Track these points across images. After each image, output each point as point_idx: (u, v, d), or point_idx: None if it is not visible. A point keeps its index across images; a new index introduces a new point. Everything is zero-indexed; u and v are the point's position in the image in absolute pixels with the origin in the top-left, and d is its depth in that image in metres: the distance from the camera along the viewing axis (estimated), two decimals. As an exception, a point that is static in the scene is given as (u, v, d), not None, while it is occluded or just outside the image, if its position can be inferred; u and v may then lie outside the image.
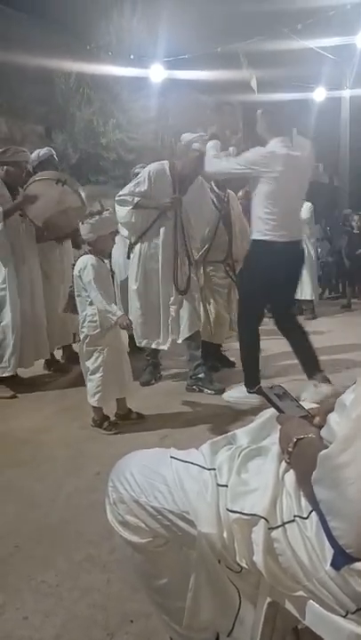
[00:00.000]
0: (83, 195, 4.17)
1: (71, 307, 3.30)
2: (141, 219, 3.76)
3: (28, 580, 1.81)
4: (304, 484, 0.97)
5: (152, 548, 1.17)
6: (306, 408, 1.20)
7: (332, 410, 1.09)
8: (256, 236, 3.36)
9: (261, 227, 3.30)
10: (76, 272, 3.08)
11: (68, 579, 1.81)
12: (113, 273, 4.71)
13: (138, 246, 3.82)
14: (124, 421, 3.22)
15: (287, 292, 3.60)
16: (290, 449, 1.03)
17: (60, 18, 10.16)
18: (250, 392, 3.52)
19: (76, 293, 3.12)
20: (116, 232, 3.38)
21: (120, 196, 3.79)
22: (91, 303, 3.03)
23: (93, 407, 3.15)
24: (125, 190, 3.78)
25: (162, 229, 3.76)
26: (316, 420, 1.14)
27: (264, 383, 3.40)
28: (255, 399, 3.34)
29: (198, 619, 1.14)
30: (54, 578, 1.82)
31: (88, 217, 3.08)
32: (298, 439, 1.03)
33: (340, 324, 6.99)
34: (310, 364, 3.44)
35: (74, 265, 3.22)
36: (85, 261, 3.03)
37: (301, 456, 1.00)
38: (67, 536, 2.07)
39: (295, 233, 3.39)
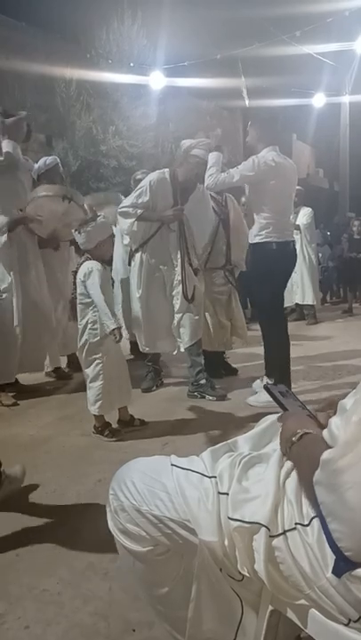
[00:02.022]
0: (87, 209, 4.20)
1: (74, 314, 3.29)
2: (143, 228, 3.76)
3: (29, 589, 1.80)
4: (305, 481, 0.97)
5: (153, 556, 1.16)
6: (308, 409, 1.20)
7: (333, 412, 1.09)
8: (255, 239, 3.63)
9: (260, 231, 3.59)
10: (80, 277, 3.04)
11: (69, 587, 1.81)
12: (112, 281, 4.71)
13: (139, 254, 3.82)
14: (127, 428, 3.22)
15: (280, 288, 3.84)
16: (294, 439, 1.02)
17: (60, 26, 10.24)
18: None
19: (78, 300, 3.10)
20: (113, 235, 3.35)
21: (122, 207, 3.77)
22: (93, 309, 3.02)
23: (95, 414, 3.15)
24: (127, 202, 3.76)
25: (167, 240, 3.75)
26: (318, 416, 1.15)
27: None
28: None
29: (201, 628, 1.13)
30: (56, 586, 1.81)
31: (83, 226, 3.05)
32: (304, 433, 1.03)
33: (341, 329, 6.99)
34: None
35: (75, 272, 3.21)
36: (90, 267, 3.01)
37: (304, 451, 1.00)
38: (68, 544, 2.06)
39: (288, 234, 3.71)
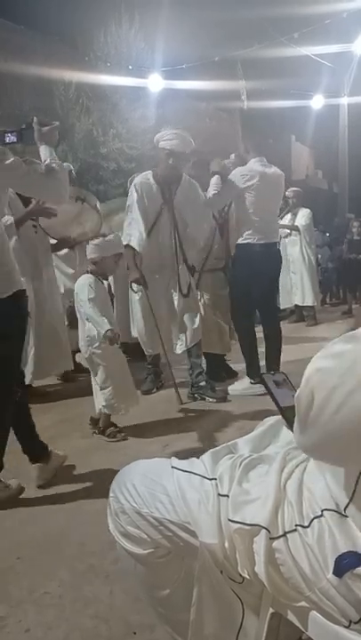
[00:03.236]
0: (99, 209, 4.20)
1: (71, 321, 3.37)
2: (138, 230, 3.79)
3: (29, 592, 1.80)
4: None
5: (154, 559, 1.15)
6: None
7: None
8: (238, 240, 3.92)
9: (243, 233, 3.88)
10: (75, 290, 3.18)
11: (70, 590, 1.80)
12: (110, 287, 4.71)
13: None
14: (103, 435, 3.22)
15: (270, 288, 4.15)
16: None
17: (58, 30, 10.27)
18: (252, 383, 3.85)
19: (76, 310, 3.20)
20: (120, 255, 3.42)
21: (129, 238, 3.74)
22: (88, 320, 3.10)
23: (103, 413, 3.19)
24: (127, 228, 3.76)
25: (162, 240, 3.76)
26: None
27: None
28: (259, 389, 3.54)
29: (203, 632, 1.13)
30: (57, 589, 1.81)
31: (94, 239, 3.24)
32: None
33: (341, 330, 6.98)
34: (270, 362, 3.96)
35: None
36: (84, 280, 3.14)
37: None
38: (69, 547, 2.06)
39: (271, 236, 3.98)
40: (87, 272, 3.22)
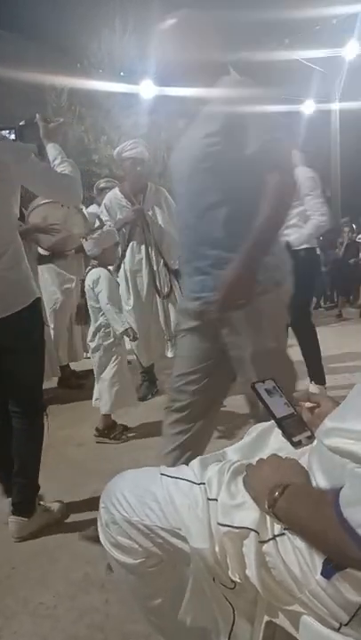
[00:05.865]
0: (86, 213, 4.20)
1: (82, 318, 3.37)
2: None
3: (25, 603, 1.79)
4: (309, 533, 0.91)
5: (145, 568, 1.15)
6: (294, 406, 1.19)
7: (328, 411, 1.08)
8: (299, 245, 3.75)
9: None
10: (88, 284, 3.18)
11: (65, 599, 1.79)
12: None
13: (122, 268, 3.88)
14: (108, 436, 3.26)
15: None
16: (276, 494, 0.95)
17: (50, 36, 10.30)
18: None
19: (89, 304, 3.22)
20: (118, 244, 3.47)
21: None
22: (103, 314, 3.14)
23: (103, 415, 3.22)
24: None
25: (135, 245, 3.80)
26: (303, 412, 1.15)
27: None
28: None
29: (192, 635, 1.13)
30: (52, 599, 1.80)
31: (90, 233, 3.24)
32: (286, 485, 0.96)
33: (335, 333, 7.00)
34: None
35: (83, 280, 3.33)
36: (98, 273, 3.16)
37: (296, 504, 0.93)
38: (64, 556, 2.05)
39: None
40: (94, 266, 3.22)
